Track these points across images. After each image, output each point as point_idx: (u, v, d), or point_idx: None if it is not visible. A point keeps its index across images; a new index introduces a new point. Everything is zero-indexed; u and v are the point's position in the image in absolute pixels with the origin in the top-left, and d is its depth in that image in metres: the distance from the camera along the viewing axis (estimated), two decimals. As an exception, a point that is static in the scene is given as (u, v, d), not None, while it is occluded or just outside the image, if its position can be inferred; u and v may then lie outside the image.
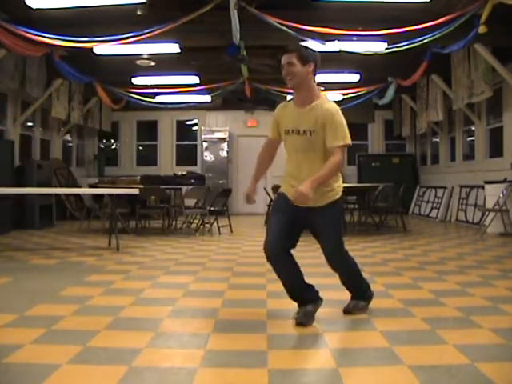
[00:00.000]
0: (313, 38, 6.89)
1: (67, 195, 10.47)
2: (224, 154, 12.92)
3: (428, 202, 11.48)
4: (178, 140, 13.87)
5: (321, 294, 3.10)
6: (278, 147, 3.20)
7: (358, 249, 6.31)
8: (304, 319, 2.95)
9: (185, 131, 14.10)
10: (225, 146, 12.91)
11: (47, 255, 5.82)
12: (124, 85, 10.48)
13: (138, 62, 8.79)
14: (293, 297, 3.07)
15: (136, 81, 10.22)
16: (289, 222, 2.96)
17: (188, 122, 14.06)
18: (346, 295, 3.80)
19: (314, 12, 6.72)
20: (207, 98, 11.56)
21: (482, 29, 6.01)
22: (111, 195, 6.81)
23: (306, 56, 2.88)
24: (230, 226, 8.38)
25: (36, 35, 6.39)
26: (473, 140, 10.01)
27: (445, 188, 10.75)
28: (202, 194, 8.55)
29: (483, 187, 8.45)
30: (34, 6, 6.00)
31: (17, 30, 6.32)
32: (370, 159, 13.19)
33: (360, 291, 3.25)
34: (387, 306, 3.43)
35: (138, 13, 6.60)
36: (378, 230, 8.34)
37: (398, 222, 8.66)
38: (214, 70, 9.69)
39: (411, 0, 6.15)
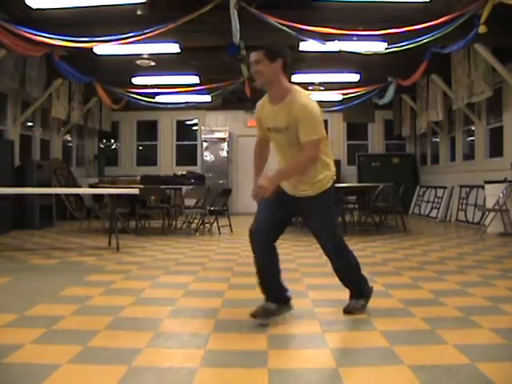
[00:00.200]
0: (313, 38, 6.90)
1: (67, 195, 10.47)
2: (224, 154, 12.92)
3: (428, 201, 11.48)
4: (177, 140, 13.87)
5: (292, 303, 3.07)
6: (270, 142, 3.20)
7: (358, 249, 6.31)
8: (259, 313, 2.96)
9: (185, 131, 14.10)
10: (225, 146, 12.91)
11: (47, 255, 5.82)
12: (124, 85, 10.48)
13: (137, 61, 8.79)
14: (261, 287, 3.05)
15: (136, 81, 10.22)
16: (276, 210, 2.98)
17: (188, 122, 14.06)
18: (345, 295, 3.79)
19: (314, 12, 6.72)
20: (207, 98, 11.56)
21: (481, 29, 6.01)
22: (111, 195, 6.81)
23: (274, 53, 2.83)
24: (230, 225, 8.38)
25: (36, 35, 6.39)
26: (473, 140, 10.01)
27: (445, 188, 10.76)
28: (202, 194, 8.55)
29: (483, 187, 8.45)
30: (34, 6, 6.00)
31: (17, 30, 6.33)
32: (370, 159, 13.19)
33: (358, 288, 3.22)
34: (387, 305, 3.43)
35: (138, 13, 6.60)
36: (378, 230, 8.34)
37: (398, 222, 8.66)
38: (214, 70, 9.68)
39: (411, 0, 6.15)
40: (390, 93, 10.38)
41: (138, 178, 11.42)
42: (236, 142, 13.35)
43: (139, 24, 6.53)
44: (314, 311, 3.31)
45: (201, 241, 7.39)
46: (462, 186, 10.02)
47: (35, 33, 6.38)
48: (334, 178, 3.05)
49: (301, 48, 7.67)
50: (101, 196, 8.36)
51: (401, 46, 6.86)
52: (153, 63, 8.92)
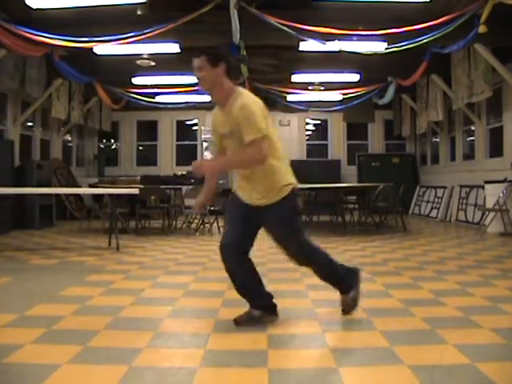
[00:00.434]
0: (313, 38, 6.90)
1: (67, 195, 10.47)
2: (224, 153, 12.90)
3: (428, 201, 11.48)
4: (178, 140, 13.87)
5: (277, 310, 3.03)
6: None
7: (358, 249, 6.31)
8: (243, 320, 2.94)
9: (185, 131, 14.11)
10: (225, 146, 12.89)
11: (47, 255, 5.82)
12: (124, 85, 10.48)
13: (138, 61, 8.80)
14: (245, 298, 3.02)
15: (136, 81, 10.22)
16: (244, 222, 2.92)
17: (188, 122, 14.07)
18: (346, 295, 3.80)
19: (314, 12, 6.72)
20: (207, 98, 11.54)
21: (481, 29, 6.01)
22: (111, 195, 6.81)
23: (217, 58, 2.79)
24: (230, 225, 8.37)
25: (36, 35, 6.40)
26: (473, 140, 10.01)
27: (445, 188, 10.75)
28: (202, 193, 8.54)
29: (483, 187, 8.45)
30: (34, 6, 6.00)
31: (17, 30, 6.33)
32: (370, 159, 13.19)
33: (341, 283, 3.11)
34: (387, 305, 3.43)
35: (138, 13, 6.60)
36: (378, 230, 8.34)
37: (398, 222, 8.66)
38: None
39: (411, 0, 6.15)
40: (390, 93, 10.38)
41: (138, 178, 11.43)
42: (236, 142, 13.33)
43: (139, 24, 6.53)
44: (314, 311, 3.31)
45: (201, 241, 7.39)
46: (461, 186, 10.02)
47: (35, 33, 6.38)
48: (293, 185, 2.92)
49: (301, 48, 7.68)
50: (101, 196, 8.36)
51: (401, 46, 6.86)
52: (153, 63, 8.92)
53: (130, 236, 7.74)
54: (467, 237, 7.62)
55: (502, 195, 7.62)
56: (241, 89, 2.86)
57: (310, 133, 14.16)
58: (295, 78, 10.22)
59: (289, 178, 2.92)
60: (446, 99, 10.12)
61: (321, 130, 14.14)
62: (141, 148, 14.15)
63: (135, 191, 6.95)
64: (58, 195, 9.96)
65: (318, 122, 14.07)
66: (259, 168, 2.79)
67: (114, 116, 13.42)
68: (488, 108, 9.20)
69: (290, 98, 11.63)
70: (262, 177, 2.83)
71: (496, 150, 8.95)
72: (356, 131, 13.89)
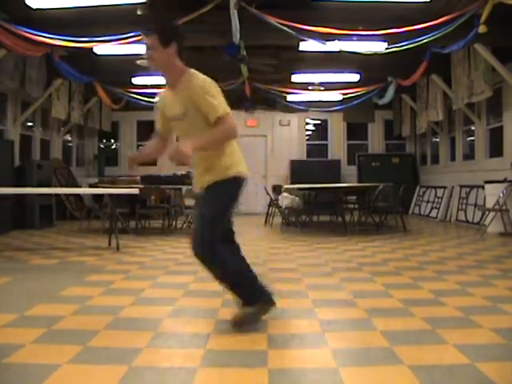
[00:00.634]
0: (313, 38, 6.90)
1: (67, 195, 10.47)
2: (224, 153, 12.88)
3: (428, 201, 11.48)
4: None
5: (279, 309, 2.96)
6: (168, 142, 3.06)
7: (358, 249, 6.31)
8: (238, 322, 2.80)
9: (185, 131, 14.09)
10: (225, 145, 12.87)
11: (47, 255, 5.82)
12: (124, 85, 10.48)
13: (137, 61, 8.79)
14: (237, 294, 2.89)
15: (136, 81, 10.21)
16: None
17: (188, 122, 14.05)
18: (346, 295, 3.80)
19: (314, 12, 6.73)
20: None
21: (481, 28, 6.01)
22: (111, 195, 6.81)
23: (168, 38, 2.68)
24: (230, 225, 8.37)
25: (36, 35, 6.40)
26: (473, 140, 10.01)
27: (445, 188, 10.76)
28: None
29: (483, 187, 8.45)
30: (34, 6, 6.00)
31: (17, 30, 6.33)
32: (370, 159, 13.19)
33: (244, 296, 2.87)
34: (387, 305, 3.43)
35: (138, 13, 6.61)
36: (378, 230, 8.34)
37: (398, 222, 8.66)
38: (214, 70, 9.68)
39: (411, 0, 6.15)
40: (390, 93, 10.39)
41: (138, 177, 11.42)
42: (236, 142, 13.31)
43: (139, 24, 6.53)
44: (314, 311, 3.31)
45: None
46: (462, 186, 10.02)
47: (35, 33, 6.39)
48: (241, 173, 2.81)
49: (301, 48, 7.68)
50: (101, 196, 8.36)
51: (401, 46, 6.86)
52: (153, 63, 8.91)
53: (130, 236, 7.74)
54: (467, 237, 7.62)
55: (501, 195, 7.62)
56: (192, 70, 2.76)
57: (310, 133, 14.16)
58: (295, 78, 10.22)
59: (239, 165, 2.84)
60: (446, 99, 10.12)
61: (321, 130, 14.14)
62: (141, 148, 14.14)
63: (135, 191, 6.95)
64: (58, 195, 9.96)
65: (318, 122, 14.07)
66: (215, 150, 2.73)
67: (114, 116, 13.42)
68: (488, 108, 9.20)
69: (289, 97, 11.63)
70: (216, 158, 2.76)
71: (496, 149, 8.95)
72: (356, 131, 13.89)
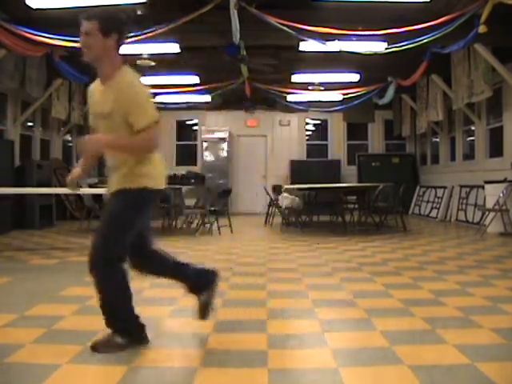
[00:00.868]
0: (313, 38, 6.90)
1: (67, 195, 10.46)
2: (224, 153, 12.91)
3: (428, 201, 11.48)
4: (178, 140, 13.87)
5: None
6: None
7: (358, 249, 6.31)
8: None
9: (185, 131, 14.10)
10: (225, 145, 12.90)
11: (47, 255, 5.82)
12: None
13: (138, 61, 8.80)
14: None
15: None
16: None
17: (188, 122, 14.06)
18: (346, 295, 3.80)
19: (314, 12, 6.72)
20: (207, 98, 11.56)
21: (481, 28, 6.01)
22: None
23: (110, 27, 2.46)
24: (230, 225, 8.38)
25: (36, 35, 6.40)
26: (473, 140, 10.01)
27: (445, 188, 10.76)
28: (202, 193, 8.56)
29: (483, 187, 8.45)
30: (34, 6, 6.01)
31: (17, 30, 6.33)
32: (370, 159, 13.19)
33: (115, 322, 2.61)
34: (387, 305, 3.43)
35: (138, 13, 6.61)
36: (378, 230, 8.34)
37: (398, 222, 8.66)
38: (214, 70, 9.70)
39: (411, 0, 6.15)
40: (390, 93, 10.39)
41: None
42: (236, 142, 13.34)
43: (139, 24, 6.53)
44: (313, 311, 3.31)
45: (201, 241, 7.38)
46: (461, 186, 10.02)
47: (35, 33, 6.39)
48: (155, 187, 2.64)
49: (301, 48, 7.68)
50: (101, 196, 8.35)
51: (401, 46, 6.86)
52: (153, 63, 8.92)
53: (130, 236, 7.73)
54: (467, 237, 7.62)
55: (501, 195, 7.62)
56: (128, 68, 2.56)
57: (309, 133, 14.16)
58: (295, 78, 10.23)
59: (155, 178, 2.66)
60: (446, 99, 10.12)
61: (321, 129, 14.14)
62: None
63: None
64: (58, 195, 9.96)
65: (318, 122, 14.06)
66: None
67: (114, 116, 13.41)
68: (488, 108, 9.19)
69: (289, 97, 11.64)
70: (132, 162, 2.57)
71: (496, 149, 8.95)
72: (356, 131, 13.89)
